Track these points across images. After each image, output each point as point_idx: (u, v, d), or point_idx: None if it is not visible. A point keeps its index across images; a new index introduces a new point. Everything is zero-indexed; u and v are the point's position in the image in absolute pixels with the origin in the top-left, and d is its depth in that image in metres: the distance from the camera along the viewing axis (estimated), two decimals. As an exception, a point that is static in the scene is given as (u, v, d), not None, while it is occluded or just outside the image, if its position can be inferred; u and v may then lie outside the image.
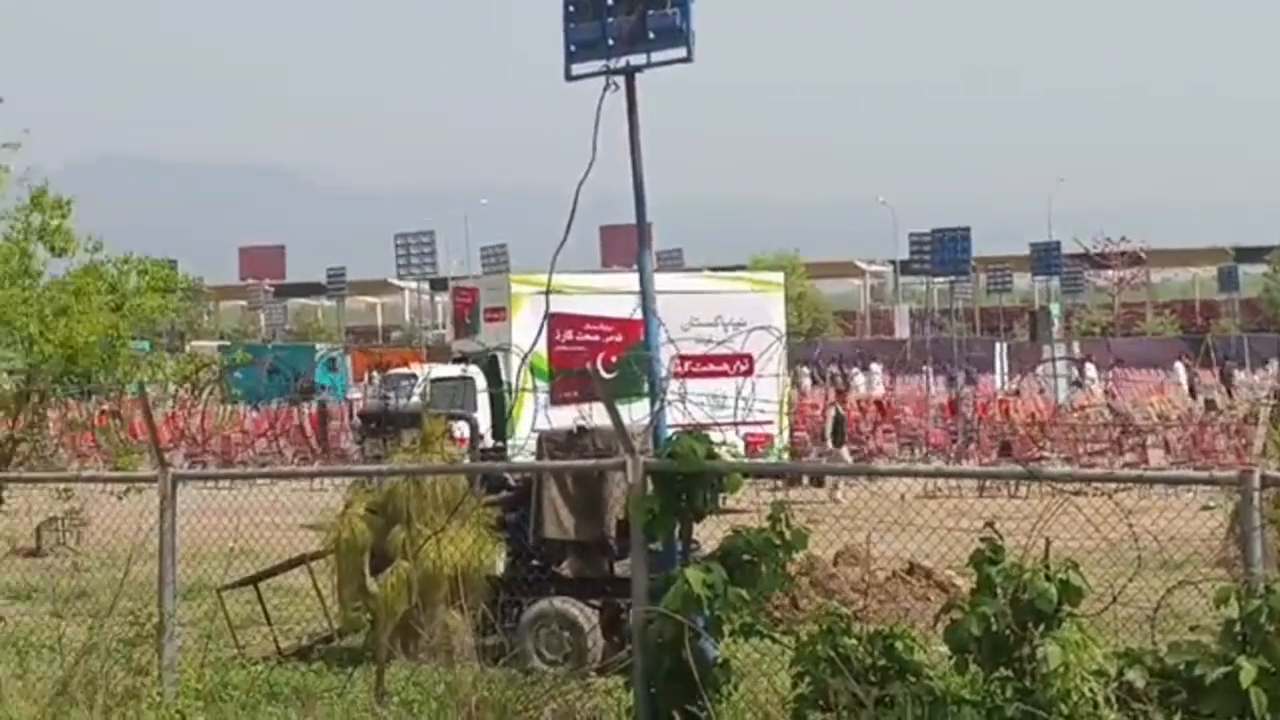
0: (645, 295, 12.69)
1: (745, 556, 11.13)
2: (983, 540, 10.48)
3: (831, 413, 40.01)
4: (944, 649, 10.51)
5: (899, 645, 10.51)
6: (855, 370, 73.32)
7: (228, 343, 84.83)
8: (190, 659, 14.38)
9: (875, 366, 72.25)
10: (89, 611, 15.07)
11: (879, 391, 61.69)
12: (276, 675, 15.53)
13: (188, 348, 54.72)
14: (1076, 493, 11.71)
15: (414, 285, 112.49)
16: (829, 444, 38.40)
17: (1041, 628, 9.97)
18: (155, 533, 14.03)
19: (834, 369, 73.18)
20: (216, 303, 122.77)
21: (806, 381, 68.92)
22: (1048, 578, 10.03)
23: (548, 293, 14.62)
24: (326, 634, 17.24)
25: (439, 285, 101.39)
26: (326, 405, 49.70)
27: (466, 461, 17.82)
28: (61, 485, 15.20)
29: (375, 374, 44.55)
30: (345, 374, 68.45)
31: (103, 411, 16.40)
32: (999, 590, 10.15)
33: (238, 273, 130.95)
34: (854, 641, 10.58)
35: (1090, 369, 61.48)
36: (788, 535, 11.16)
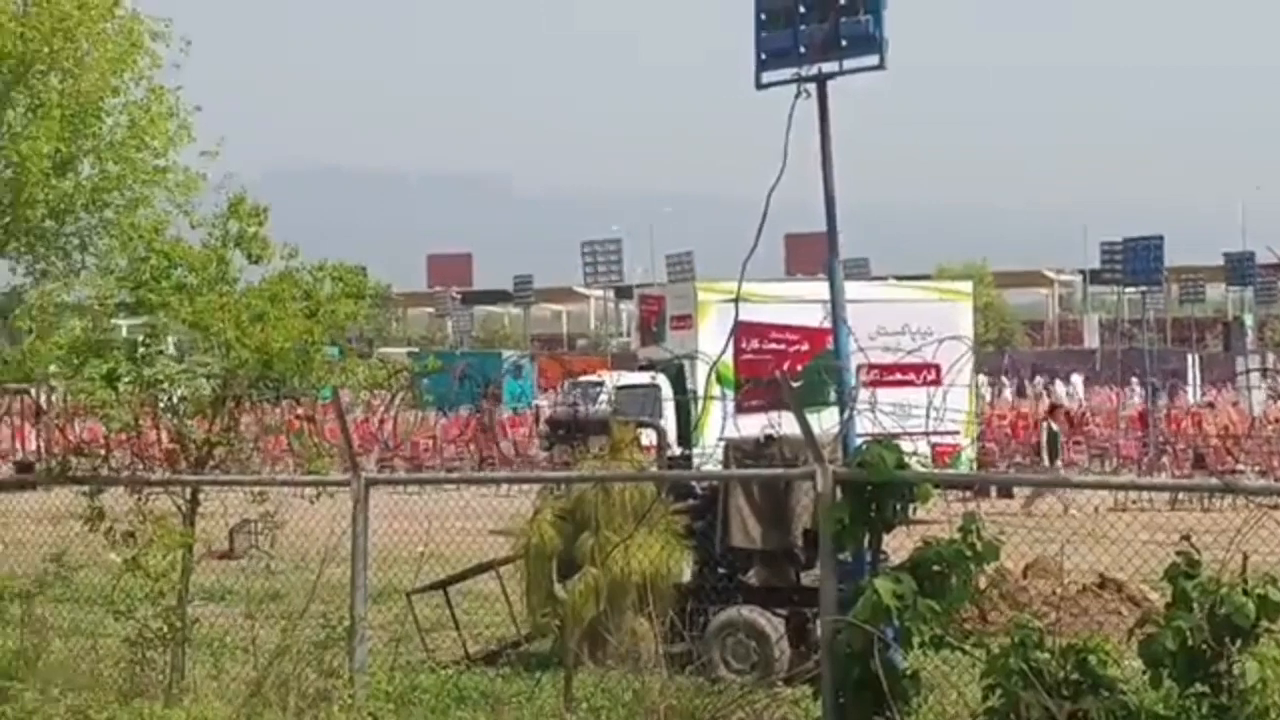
0: (835, 304, 12.63)
1: (935, 567, 11.04)
2: (1178, 554, 10.33)
3: (1045, 428, 39.51)
4: (1138, 664, 10.37)
5: (1092, 659, 10.38)
6: (1052, 381, 72.56)
7: (415, 349, 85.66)
8: (380, 662, 14.53)
9: (1075, 378, 71.40)
10: (281, 613, 15.25)
11: (1075, 403, 60.95)
12: (465, 680, 15.65)
13: (375, 354, 55.38)
14: (1274, 506, 11.46)
15: (599, 293, 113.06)
16: (1044, 459, 37.93)
17: (1239, 643, 9.81)
18: (347, 536, 14.18)
19: (1040, 380, 72.60)
20: (404, 309, 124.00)
21: (1007, 392, 68.39)
22: (1245, 592, 9.87)
23: (737, 300, 14.56)
24: (515, 639, 17.35)
25: (624, 293, 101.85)
26: (486, 413, 49.85)
27: (654, 469, 17.86)
28: (256, 488, 15.40)
29: (567, 381, 44.78)
30: (530, 380, 68.79)
31: (296, 416, 16.59)
32: (1195, 605, 10.00)
33: (425, 280, 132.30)
34: (1046, 655, 10.46)
35: (1303, 380, 60.33)
36: (979, 547, 11.06)
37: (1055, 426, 39.47)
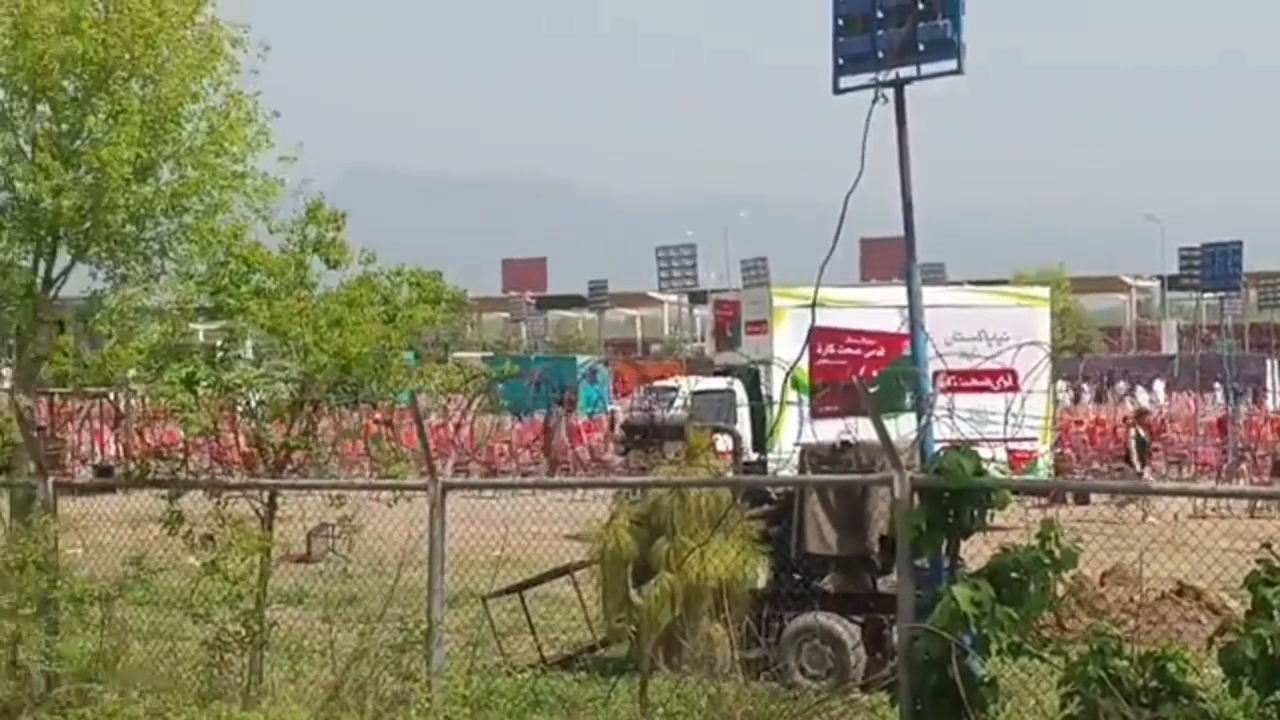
0: (913, 309, 12.60)
1: (1013, 574, 10.98)
2: (1259, 561, 10.26)
3: (1132, 434, 39.34)
4: (1217, 672, 10.29)
5: (1171, 667, 10.32)
6: (1133, 387, 72.29)
7: (491, 354, 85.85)
8: (457, 666, 14.56)
9: (1158, 385, 71.07)
10: (359, 617, 15.33)
11: (1156, 409, 60.64)
12: (541, 684, 15.67)
13: (451, 359, 55.41)
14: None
15: (673, 298, 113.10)
16: (1135, 465, 37.78)
17: (1320, 652, 9.73)
18: (424, 540, 14.23)
19: (1123, 386, 72.27)
20: (479, 314, 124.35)
21: (1086, 398, 68.06)
22: (1327, 600, 9.80)
23: (814, 306, 14.56)
24: (590, 644, 17.37)
25: (698, 298, 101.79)
26: (554, 418, 49.85)
27: (730, 474, 17.84)
28: (334, 492, 15.46)
29: (643, 386, 44.83)
30: (605, 386, 68.81)
31: (375, 420, 16.67)
32: (1275, 613, 9.94)
33: (500, 285, 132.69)
34: (1125, 662, 10.41)
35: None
36: (1057, 554, 10.99)
37: (1142, 432, 39.31)
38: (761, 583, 15.85)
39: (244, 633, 14.25)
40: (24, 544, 15.00)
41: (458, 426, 39.07)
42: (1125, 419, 45.43)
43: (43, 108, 21.70)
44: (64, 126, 21.53)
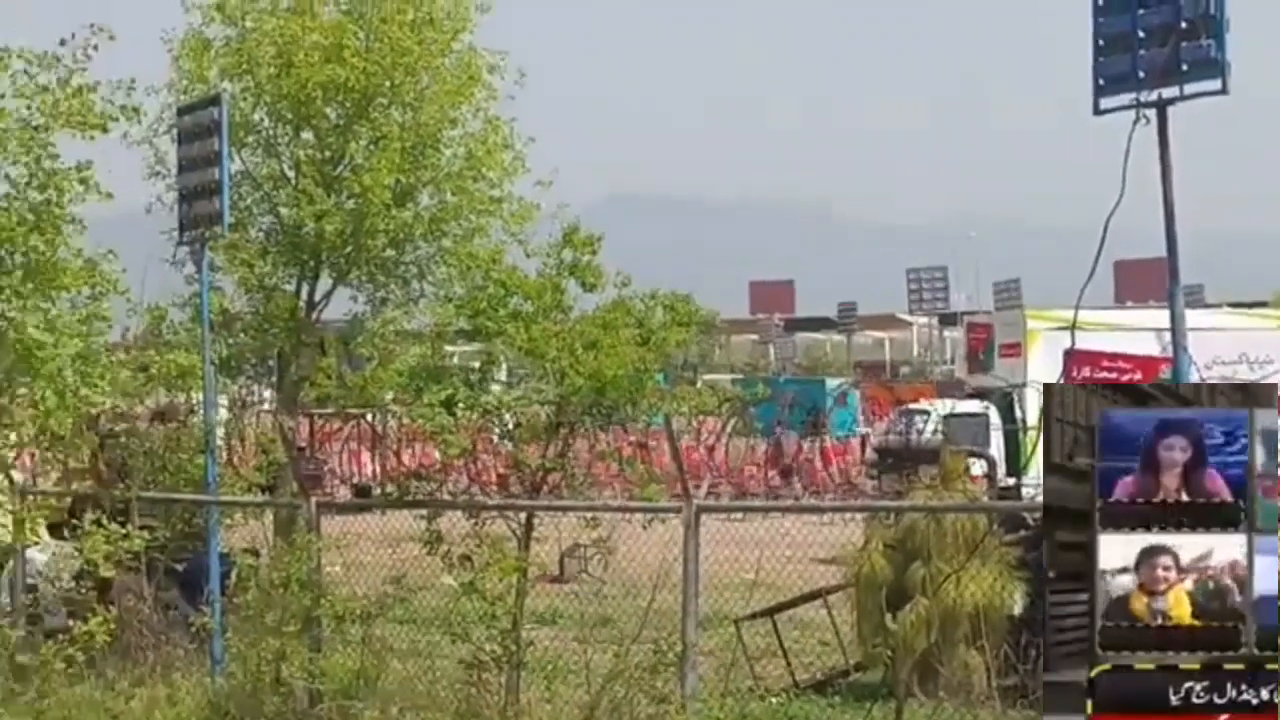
0: (1175, 332, 12.39)
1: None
2: None
3: None
4: None
5: None
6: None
7: (739, 375, 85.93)
8: (710, 689, 14.55)
9: None
10: (612, 638, 15.38)
11: None
12: (795, 708, 15.62)
13: (700, 380, 55.64)
14: None
15: (923, 320, 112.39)
16: None
17: None
18: (677, 562, 14.26)
19: None
20: (728, 336, 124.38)
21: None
22: None
23: (1073, 329, 14.41)
24: (844, 668, 17.28)
25: (948, 320, 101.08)
26: (781, 440, 49.52)
27: (986, 499, 17.67)
28: (589, 513, 15.55)
29: (896, 410, 44.53)
30: (855, 408, 68.35)
31: (629, 442, 16.77)
32: None
33: (748, 307, 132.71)
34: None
35: None
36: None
37: None
38: (1019, 609, 15.66)
39: (501, 652, 14.38)
40: (288, 562, 15.29)
41: (710, 449, 39.09)
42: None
43: (306, 135, 22.25)
44: (326, 153, 22.05)
